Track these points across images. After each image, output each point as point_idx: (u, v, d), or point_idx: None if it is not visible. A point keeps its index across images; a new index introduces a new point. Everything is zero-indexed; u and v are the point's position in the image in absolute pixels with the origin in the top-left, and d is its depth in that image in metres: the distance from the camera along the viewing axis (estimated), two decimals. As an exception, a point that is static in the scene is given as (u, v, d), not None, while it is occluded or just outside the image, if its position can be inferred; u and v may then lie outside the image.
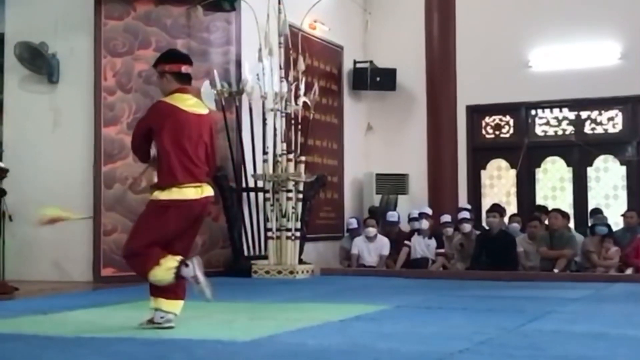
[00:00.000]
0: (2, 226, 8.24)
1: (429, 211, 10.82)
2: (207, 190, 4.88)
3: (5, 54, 9.29)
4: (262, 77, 9.37)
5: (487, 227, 10.35)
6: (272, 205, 9.23)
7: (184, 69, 4.96)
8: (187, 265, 4.60)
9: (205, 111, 4.99)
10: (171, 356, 3.72)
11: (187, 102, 4.86)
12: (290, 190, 9.23)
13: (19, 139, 9.17)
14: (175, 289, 4.74)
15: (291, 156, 9.30)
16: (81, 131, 8.87)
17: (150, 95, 8.91)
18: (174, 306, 4.75)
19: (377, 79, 12.06)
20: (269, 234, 9.23)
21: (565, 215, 10.35)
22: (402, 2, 12.43)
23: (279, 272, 9.05)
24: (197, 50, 9.36)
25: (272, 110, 9.40)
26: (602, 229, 9.74)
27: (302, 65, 9.67)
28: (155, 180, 4.83)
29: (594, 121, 11.80)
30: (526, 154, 11.89)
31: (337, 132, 11.86)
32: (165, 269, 4.60)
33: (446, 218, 10.57)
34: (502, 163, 12.28)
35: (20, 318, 5.32)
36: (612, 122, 11.72)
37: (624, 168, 11.64)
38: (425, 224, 10.45)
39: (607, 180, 11.77)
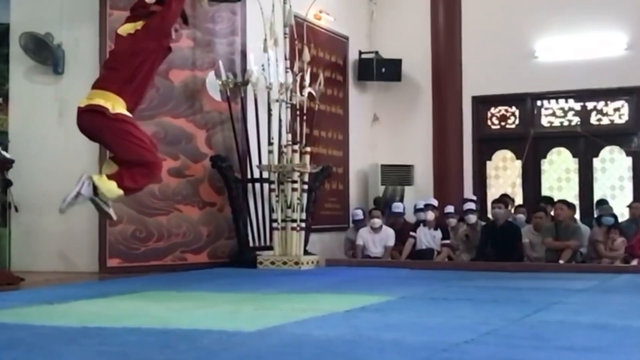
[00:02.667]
0: (8, 216, 8.27)
1: (435, 202, 10.81)
2: (86, 101, 5.12)
3: (11, 44, 9.30)
4: (267, 67, 9.37)
5: (492, 218, 10.34)
6: (277, 196, 9.23)
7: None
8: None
9: (129, 32, 5.27)
10: (177, 346, 3.72)
11: (121, 28, 5.37)
12: (295, 181, 9.23)
13: (25, 129, 9.18)
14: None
15: (296, 147, 9.30)
16: (86, 122, 8.86)
17: (156, 85, 8.91)
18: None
19: (382, 70, 12.03)
20: (274, 224, 9.24)
21: (571, 206, 10.33)
22: (407, -8, 12.41)
23: (284, 263, 9.05)
24: (203, 41, 9.36)
25: (277, 101, 9.39)
26: (608, 220, 9.74)
27: (307, 56, 9.66)
28: None
29: (599, 112, 11.77)
30: (532, 145, 11.87)
31: (342, 123, 11.85)
32: None
33: (449, 209, 10.56)
34: (507, 154, 12.26)
35: (26, 308, 5.33)
36: (618, 112, 11.70)
37: (629, 159, 11.62)
38: (430, 215, 10.45)
39: (612, 171, 11.76)
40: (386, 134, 12.47)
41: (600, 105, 11.76)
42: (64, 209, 5.01)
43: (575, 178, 11.92)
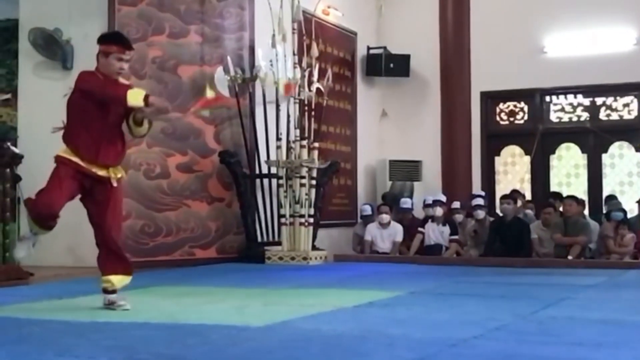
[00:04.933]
0: (17, 212, 8.29)
1: (444, 198, 10.79)
2: None
3: (20, 40, 9.32)
4: (276, 63, 9.36)
5: (500, 214, 10.32)
6: (285, 191, 9.24)
7: None
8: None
9: None
10: (185, 341, 3.73)
11: None
12: (303, 177, 9.23)
13: (34, 125, 9.17)
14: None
15: (304, 142, 9.30)
16: (95, 117, 8.87)
17: (164, 81, 8.95)
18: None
19: (390, 65, 12.02)
20: (283, 220, 9.25)
21: (580, 202, 10.31)
22: (416, -13, 12.39)
23: (292, 258, 9.07)
24: (211, 37, 9.36)
25: (285, 96, 9.39)
26: (618, 215, 9.72)
27: (315, 52, 9.66)
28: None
29: (609, 107, 11.74)
30: (540, 141, 11.84)
31: (351, 119, 11.84)
32: None
33: (456, 204, 10.55)
34: (516, 150, 12.24)
35: (35, 303, 5.36)
36: (627, 108, 11.66)
37: (638, 155, 11.58)
38: (439, 211, 10.43)
39: (622, 166, 11.72)
40: (394, 130, 12.45)
41: (610, 100, 11.72)
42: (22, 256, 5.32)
43: (584, 174, 11.89)
